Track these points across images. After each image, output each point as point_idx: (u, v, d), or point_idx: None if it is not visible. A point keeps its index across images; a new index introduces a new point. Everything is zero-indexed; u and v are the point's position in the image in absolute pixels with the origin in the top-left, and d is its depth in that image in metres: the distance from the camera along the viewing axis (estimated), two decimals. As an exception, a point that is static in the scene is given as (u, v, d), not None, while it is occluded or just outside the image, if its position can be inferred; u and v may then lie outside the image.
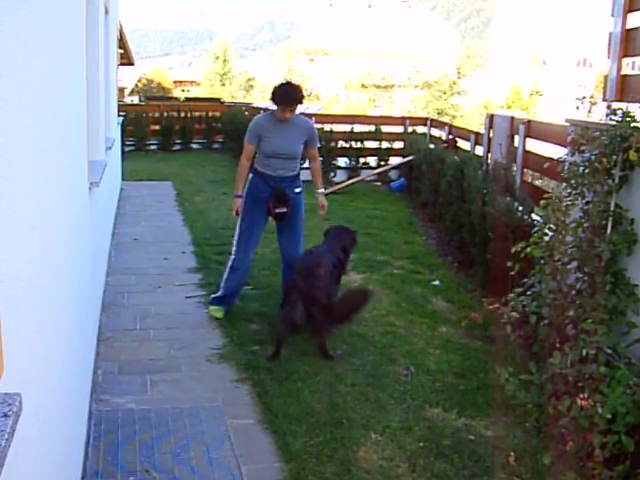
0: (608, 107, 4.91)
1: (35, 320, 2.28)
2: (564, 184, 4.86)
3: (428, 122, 16.21)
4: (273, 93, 6.18)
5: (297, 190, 6.47)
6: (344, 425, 4.59)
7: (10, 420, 1.54)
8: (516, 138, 8.74)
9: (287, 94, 6.16)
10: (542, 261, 4.62)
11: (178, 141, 20.45)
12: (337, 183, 14.63)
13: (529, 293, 4.72)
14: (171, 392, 5.00)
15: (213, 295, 6.56)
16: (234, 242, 6.43)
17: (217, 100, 28.67)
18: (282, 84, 6.35)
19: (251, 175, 6.39)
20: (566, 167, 4.89)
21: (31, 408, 1.93)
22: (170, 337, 5.87)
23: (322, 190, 6.82)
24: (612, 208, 4.52)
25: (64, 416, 3.11)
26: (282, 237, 6.60)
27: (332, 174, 15.40)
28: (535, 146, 8.44)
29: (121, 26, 15.11)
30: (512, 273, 4.84)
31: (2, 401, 1.61)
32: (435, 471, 4.13)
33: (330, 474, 4.05)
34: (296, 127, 6.29)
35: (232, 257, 6.42)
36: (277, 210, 6.30)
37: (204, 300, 6.83)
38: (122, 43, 17.63)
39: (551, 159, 6.35)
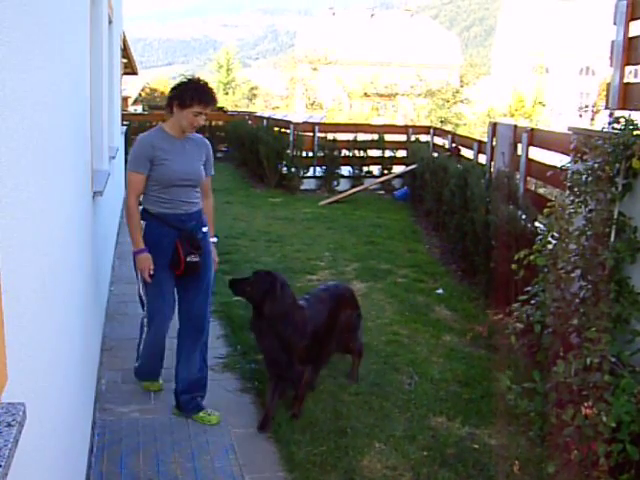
0: (611, 115, 4.91)
1: (39, 330, 2.29)
2: (567, 192, 4.85)
3: (431, 130, 16.27)
4: (181, 91, 4.55)
5: (205, 229, 4.87)
6: (348, 434, 4.58)
7: (14, 430, 1.54)
8: (519, 146, 8.74)
9: (205, 90, 4.57)
10: (545, 269, 4.61)
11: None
12: (340, 192, 14.66)
13: (533, 302, 4.71)
14: (175, 401, 4.99)
15: (135, 364, 5.22)
16: (145, 312, 4.94)
17: (220, 109, 28.70)
18: (189, 80, 4.66)
19: (143, 222, 4.63)
20: (569, 175, 4.89)
21: (35, 418, 1.93)
22: (174, 346, 5.84)
23: (215, 239, 5.06)
24: (615, 216, 4.51)
25: (68, 425, 3.11)
26: (188, 294, 4.88)
27: (335, 183, 15.45)
28: (538, 154, 8.44)
29: (125, 36, 15.15)
30: (516, 278, 4.83)
31: (6, 411, 1.61)
32: (439, 480, 4.12)
33: (334, 483, 4.04)
34: (193, 143, 4.75)
35: (144, 328, 5.01)
36: (189, 259, 4.66)
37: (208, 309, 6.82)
38: (126, 52, 17.67)
39: (554, 167, 6.35)
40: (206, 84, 4.62)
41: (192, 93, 4.49)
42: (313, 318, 4.90)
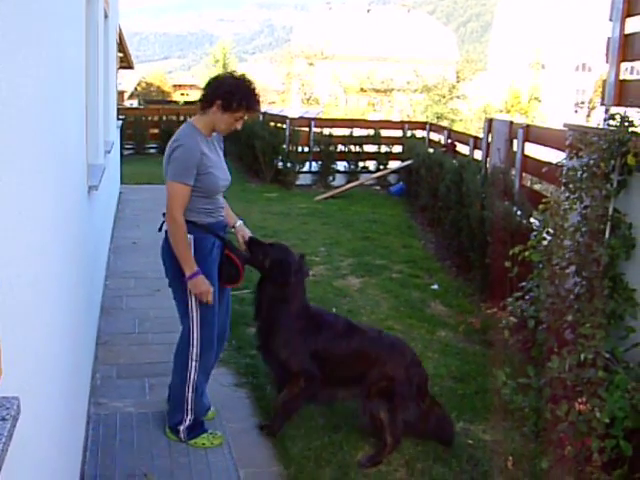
0: (606, 112, 4.92)
1: (33, 324, 2.28)
2: (562, 188, 4.86)
3: (427, 126, 16.25)
4: (230, 92, 4.06)
5: None
6: (342, 429, 4.59)
7: (8, 424, 1.55)
8: (515, 142, 8.76)
9: (255, 95, 4.16)
10: (540, 265, 4.62)
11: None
12: (336, 187, 14.65)
13: (527, 297, 4.72)
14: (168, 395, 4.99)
15: (183, 426, 4.38)
16: (191, 341, 4.28)
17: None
18: (239, 79, 4.18)
19: (190, 236, 4.09)
20: (564, 172, 4.90)
21: (29, 412, 1.93)
22: (169, 341, 5.83)
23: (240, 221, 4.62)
24: (610, 212, 4.52)
25: (62, 419, 3.11)
26: (221, 307, 4.43)
27: (331, 178, 15.44)
28: (534, 150, 8.45)
29: (120, 30, 15.12)
30: (510, 275, 4.84)
31: (0, 405, 1.61)
32: (433, 475, 4.13)
33: (328, 478, 4.05)
34: (214, 141, 4.32)
35: (192, 363, 4.30)
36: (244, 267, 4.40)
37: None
38: (121, 47, 17.63)
39: (549, 163, 6.36)
40: (255, 87, 4.18)
41: (241, 97, 4.06)
42: (322, 335, 4.42)
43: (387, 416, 4.32)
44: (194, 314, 4.23)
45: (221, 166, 4.27)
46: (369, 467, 4.21)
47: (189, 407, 4.36)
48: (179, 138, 4.09)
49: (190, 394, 4.34)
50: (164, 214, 4.17)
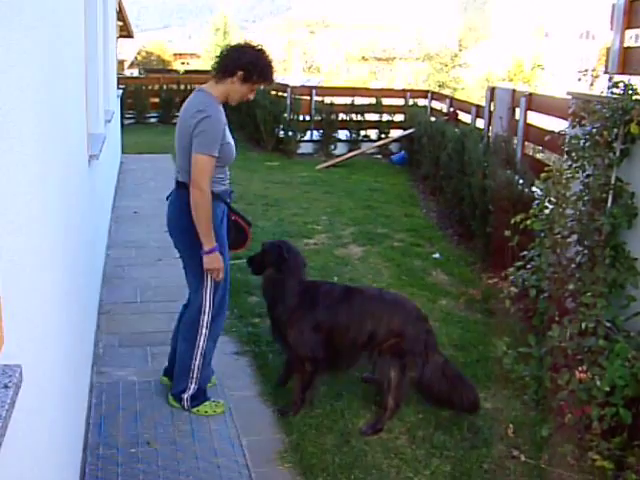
0: (610, 80, 4.88)
1: (35, 292, 2.29)
2: (565, 157, 4.84)
3: (429, 94, 16.15)
4: (252, 64, 4.03)
5: None
6: (344, 397, 4.61)
7: (10, 391, 1.55)
8: (517, 111, 8.71)
9: (272, 67, 4.17)
10: (542, 234, 4.62)
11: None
12: (337, 156, 14.61)
13: (529, 267, 4.72)
14: (168, 367, 5.01)
15: (187, 394, 4.39)
16: (204, 308, 4.27)
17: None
18: (259, 50, 4.15)
19: None
20: (567, 140, 4.87)
21: (31, 380, 1.94)
22: (170, 310, 5.85)
23: None
24: (613, 181, 4.51)
25: (65, 388, 3.13)
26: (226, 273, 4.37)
27: (332, 147, 15.38)
28: (536, 119, 8.41)
29: (120, -3, 14.98)
30: (511, 244, 4.84)
31: (2, 372, 1.62)
32: (434, 443, 4.16)
33: (330, 445, 4.08)
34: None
35: (203, 330, 4.30)
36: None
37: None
38: (121, 15, 17.48)
39: (552, 132, 6.32)
40: (272, 59, 4.16)
41: (262, 69, 4.06)
42: (321, 305, 4.44)
43: (396, 376, 4.32)
44: (208, 282, 4.22)
45: (231, 134, 4.21)
46: (370, 434, 4.25)
47: (194, 375, 4.37)
48: (205, 109, 3.99)
49: (197, 362, 4.34)
50: (178, 183, 4.18)
